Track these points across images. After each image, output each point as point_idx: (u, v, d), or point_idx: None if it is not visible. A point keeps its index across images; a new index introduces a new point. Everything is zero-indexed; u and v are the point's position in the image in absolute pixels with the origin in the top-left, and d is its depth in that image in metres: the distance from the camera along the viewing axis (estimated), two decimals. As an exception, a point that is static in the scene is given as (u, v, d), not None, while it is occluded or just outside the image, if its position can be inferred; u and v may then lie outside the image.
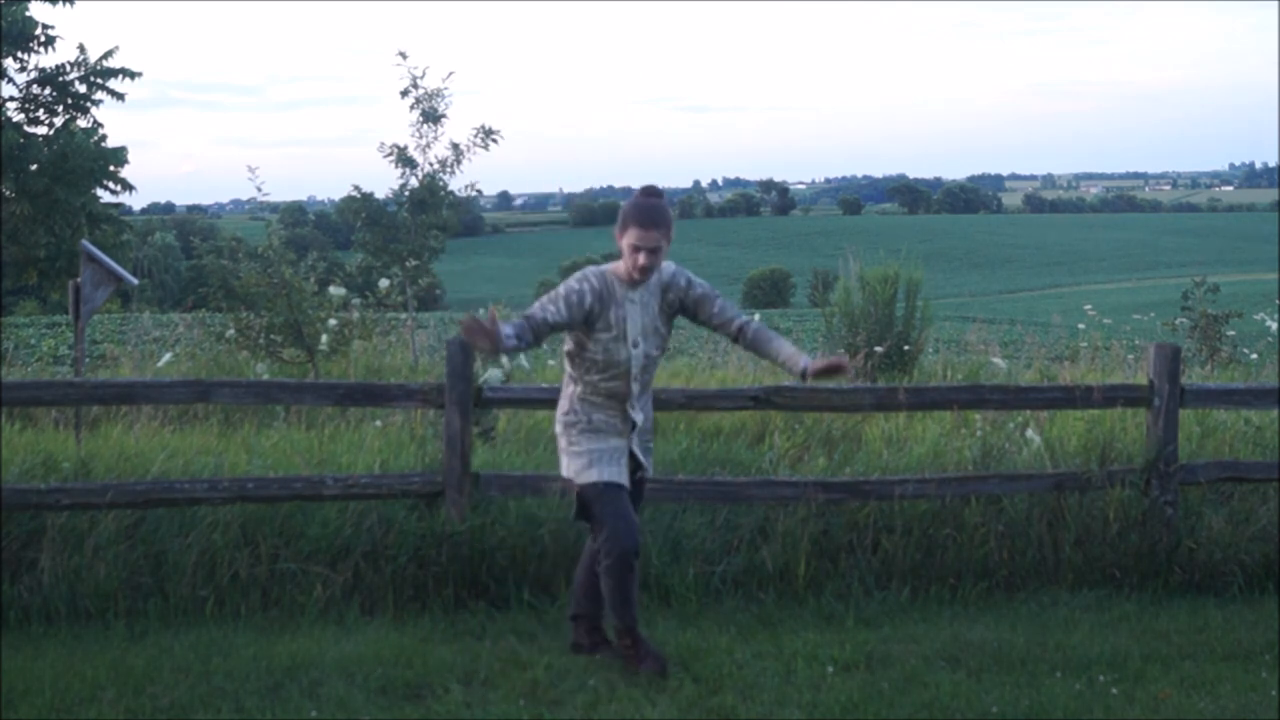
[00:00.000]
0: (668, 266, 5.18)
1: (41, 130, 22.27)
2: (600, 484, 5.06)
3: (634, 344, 5.09)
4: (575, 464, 5.13)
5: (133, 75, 22.12)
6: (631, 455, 5.18)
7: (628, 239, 5.03)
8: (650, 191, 5.21)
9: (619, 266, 5.11)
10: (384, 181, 18.03)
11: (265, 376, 9.51)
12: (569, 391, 5.20)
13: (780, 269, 69.69)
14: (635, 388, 5.13)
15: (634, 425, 5.16)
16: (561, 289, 5.07)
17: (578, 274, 5.14)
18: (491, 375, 8.40)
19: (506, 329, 4.86)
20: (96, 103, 22.35)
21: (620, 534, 5.00)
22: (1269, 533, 6.82)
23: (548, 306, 5.02)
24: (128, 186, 22.71)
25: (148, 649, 5.39)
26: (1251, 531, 6.81)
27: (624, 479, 5.10)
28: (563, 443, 5.19)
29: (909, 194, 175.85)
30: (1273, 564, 6.74)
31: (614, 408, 5.13)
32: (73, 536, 5.94)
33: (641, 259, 5.02)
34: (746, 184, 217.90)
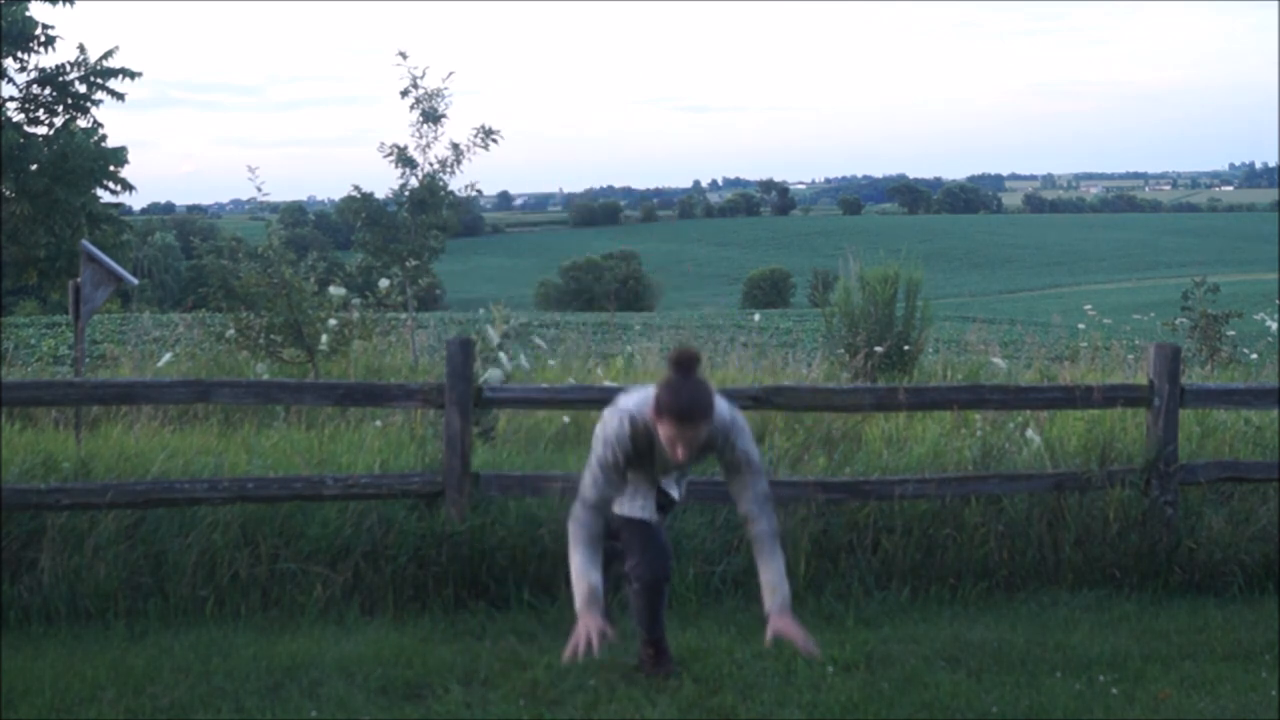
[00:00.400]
0: (718, 420, 4.68)
1: (41, 130, 22.27)
2: (623, 517, 5.03)
3: (664, 472, 4.96)
4: None
5: (132, 75, 22.12)
6: (663, 491, 5.12)
7: (664, 430, 4.59)
8: (686, 362, 4.59)
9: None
10: (384, 181, 18.07)
11: (265, 376, 9.51)
12: None
13: (780, 269, 69.74)
14: (665, 482, 5.05)
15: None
16: (606, 454, 4.69)
17: (612, 428, 4.70)
18: (491, 375, 8.41)
19: (595, 577, 4.56)
20: (96, 103, 22.36)
21: (652, 562, 4.99)
22: (1269, 533, 6.82)
23: (599, 481, 4.69)
24: (128, 186, 22.72)
25: (148, 649, 5.39)
26: (1251, 531, 6.82)
27: (649, 514, 5.04)
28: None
29: (909, 194, 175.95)
30: (1273, 564, 6.74)
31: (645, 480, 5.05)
32: (73, 536, 5.94)
33: (680, 453, 4.61)
34: (746, 184, 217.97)
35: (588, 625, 4.53)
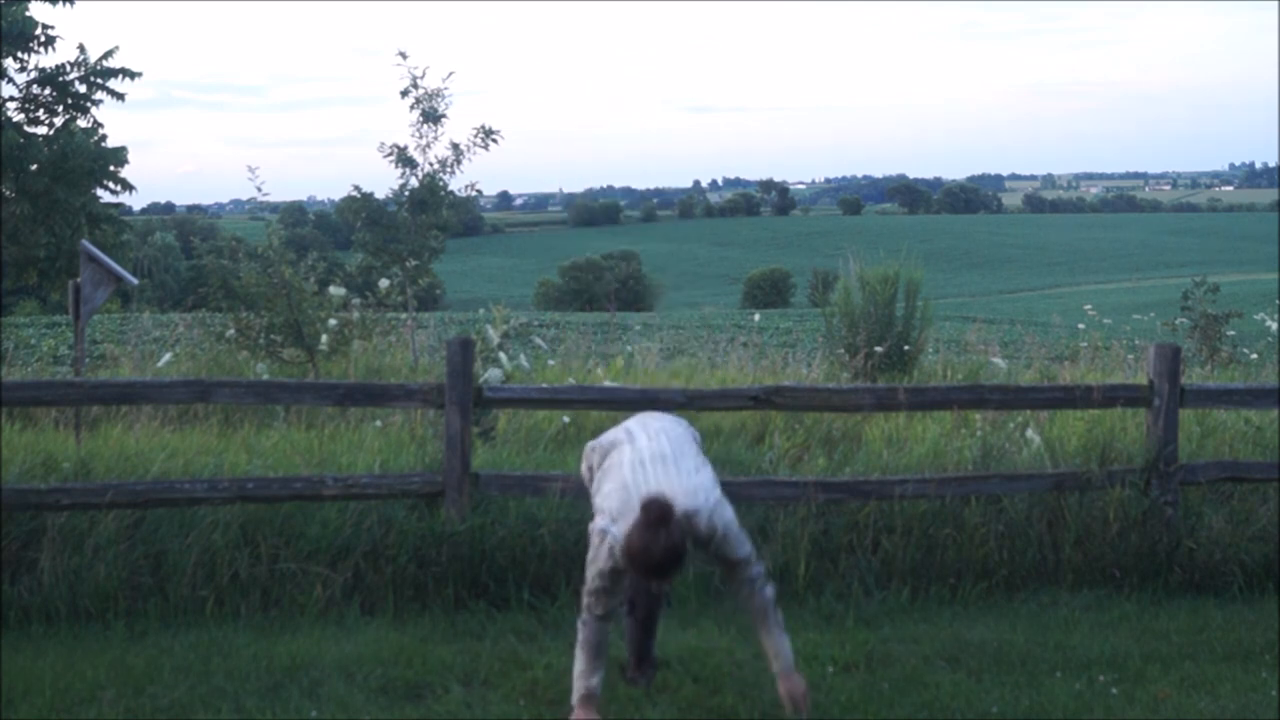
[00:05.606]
0: (700, 531, 4.53)
1: (41, 130, 22.23)
2: None
3: None
4: (601, 521, 4.82)
5: (132, 75, 22.08)
6: None
7: (637, 574, 4.50)
8: (656, 517, 4.34)
9: None
10: (384, 181, 18.03)
11: (265, 376, 9.51)
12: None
13: (780, 269, 69.69)
14: None
15: None
16: (602, 584, 4.56)
17: (603, 560, 4.51)
18: (491, 375, 8.41)
19: (594, 681, 4.57)
20: (96, 103, 22.33)
21: (649, 594, 4.97)
22: (1269, 533, 6.82)
23: (602, 600, 4.58)
24: (128, 186, 22.67)
25: (148, 649, 5.39)
26: (1251, 531, 6.81)
27: None
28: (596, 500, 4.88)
29: (909, 194, 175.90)
30: (1273, 564, 6.74)
31: None
32: (73, 536, 5.94)
33: (655, 588, 4.78)
34: (746, 184, 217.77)
35: None
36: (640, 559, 4.34)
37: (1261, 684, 5.26)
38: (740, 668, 5.25)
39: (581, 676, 4.60)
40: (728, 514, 4.60)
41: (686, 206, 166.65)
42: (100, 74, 21.95)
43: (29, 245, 21.34)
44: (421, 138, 13.70)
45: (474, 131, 13.72)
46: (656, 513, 4.34)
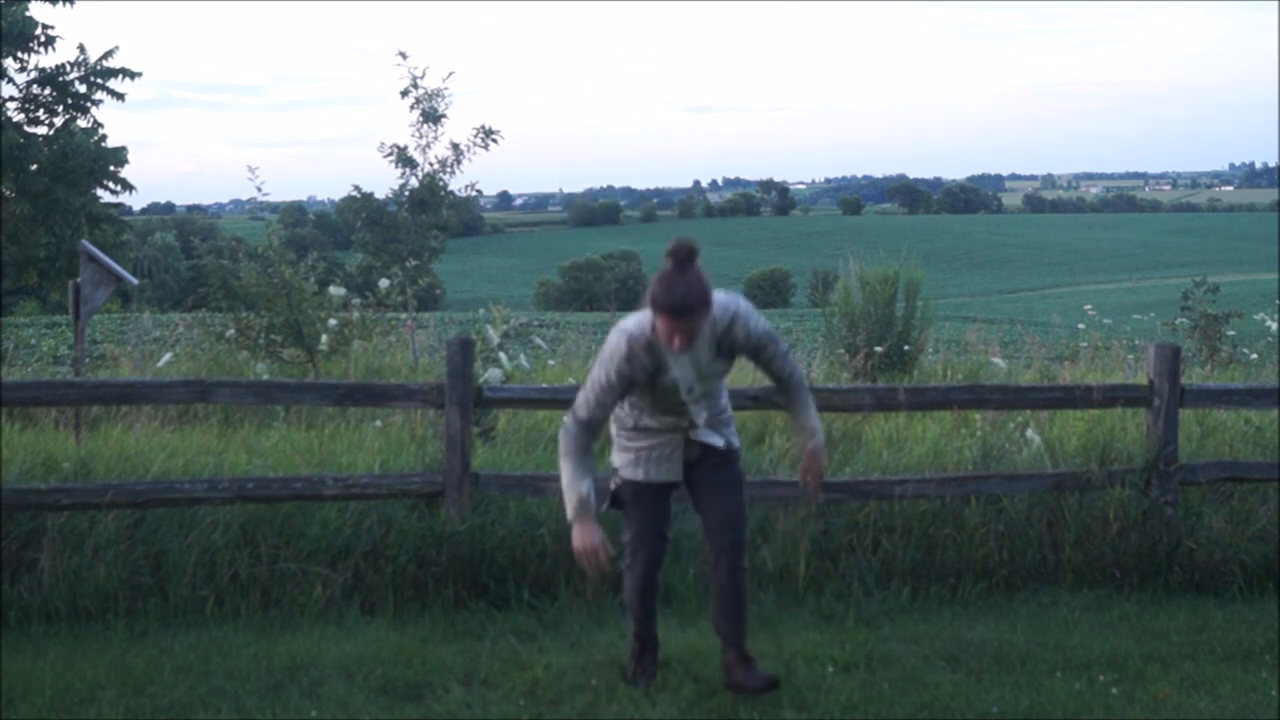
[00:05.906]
0: (724, 313, 4.70)
1: (41, 130, 22.24)
2: (637, 483, 4.94)
3: (688, 390, 4.80)
4: (622, 458, 4.97)
5: (132, 75, 22.10)
6: (695, 444, 4.94)
7: (661, 325, 4.54)
8: (682, 254, 4.52)
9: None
10: (384, 181, 18.05)
11: (265, 376, 9.51)
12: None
13: (780, 269, 69.77)
14: (693, 409, 4.88)
15: (693, 424, 4.91)
16: (600, 375, 4.69)
17: (610, 347, 4.69)
18: (491, 375, 8.41)
19: (584, 487, 4.66)
20: (96, 103, 22.34)
21: (647, 536, 4.96)
22: (1269, 533, 6.82)
23: (592, 401, 4.72)
24: (128, 186, 22.69)
25: (148, 649, 5.39)
26: (1251, 531, 6.81)
27: (673, 475, 4.95)
28: (619, 440, 5.00)
29: (909, 194, 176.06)
30: (1273, 564, 6.74)
31: (670, 419, 4.92)
32: (73, 536, 5.94)
33: (677, 342, 4.56)
34: (746, 184, 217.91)
35: (587, 539, 4.68)
36: (664, 297, 4.46)
37: (1261, 684, 5.26)
38: (740, 668, 5.24)
39: (571, 486, 4.70)
40: (740, 298, 4.83)
41: (686, 206, 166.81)
42: (100, 74, 21.96)
43: (29, 245, 21.35)
44: (421, 138, 13.73)
45: (474, 131, 13.76)
46: (684, 250, 4.49)
